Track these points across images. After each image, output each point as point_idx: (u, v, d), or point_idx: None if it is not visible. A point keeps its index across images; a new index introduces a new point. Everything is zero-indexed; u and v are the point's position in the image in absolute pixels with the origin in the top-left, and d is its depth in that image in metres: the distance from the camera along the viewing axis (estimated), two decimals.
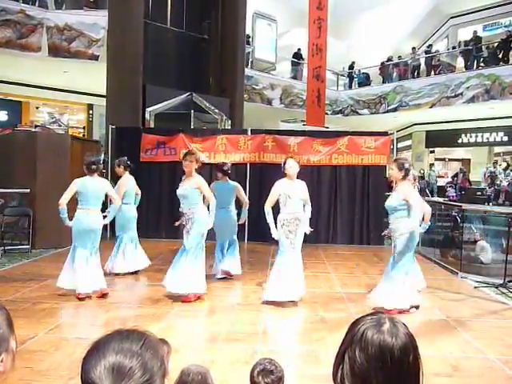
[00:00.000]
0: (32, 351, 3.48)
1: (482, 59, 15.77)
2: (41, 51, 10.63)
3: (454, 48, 17.99)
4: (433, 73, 16.81)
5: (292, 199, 4.91)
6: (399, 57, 18.38)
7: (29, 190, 7.63)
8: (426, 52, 18.05)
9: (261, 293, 5.23)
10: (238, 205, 6.29)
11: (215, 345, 3.79)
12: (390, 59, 18.80)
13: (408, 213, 4.60)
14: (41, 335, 3.85)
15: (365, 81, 19.07)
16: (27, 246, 7.48)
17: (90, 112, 16.09)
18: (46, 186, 5.94)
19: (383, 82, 18.34)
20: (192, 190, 5.02)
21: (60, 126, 11.97)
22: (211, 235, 5.50)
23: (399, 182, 4.75)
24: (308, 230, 5.09)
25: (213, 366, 3.17)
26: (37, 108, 15.44)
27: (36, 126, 9.92)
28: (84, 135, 15.19)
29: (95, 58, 11.07)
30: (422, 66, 17.55)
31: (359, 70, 19.52)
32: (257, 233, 8.13)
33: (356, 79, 19.39)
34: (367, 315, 1.10)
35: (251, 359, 3.45)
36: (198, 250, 4.99)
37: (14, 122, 12.91)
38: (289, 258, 4.92)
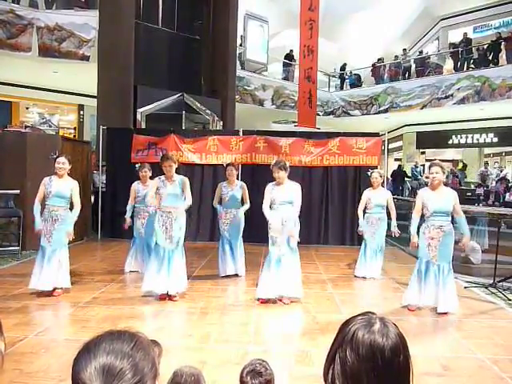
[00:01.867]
0: (21, 353, 3.45)
1: (472, 61, 15.93)
2: (31, 51, 10.55)
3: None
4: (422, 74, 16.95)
5: (275, 203, 5.00)
6: (396, 57, 18.43)
7: (18, 191, 7.56)
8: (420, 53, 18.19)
9: (253, 294, 5.24)
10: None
11: (206, 345, 3.78)
12: (381, 60, 18.89)
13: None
14: (30, 337, 3.82)
15: (356, 82, 19.17)
16: (17, 248, 7.42)
17: (81, 113, 15.99)
18: (36, 187, 5.89)
19: (376, 83, 18.44)
20: (180, 190, 5.12)
21: (50, 126, 11.93)
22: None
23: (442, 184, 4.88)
24: (292, 237, 5.02)
25: (204, 366, 3.16)
26: (27, 108, 15.31)
27: (26, 127, 9.87)
28: (75, 136, 15.10)
29: (86, 58, 11.01)
30: (413, 68, 17.69)
31: (350, 72, 19.62)
32: (249, 234, 8.11)
33: (347, 80, 19.49)
34: (358, 315, 1.10)
35: (242, 360, 3.45)
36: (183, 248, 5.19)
37: (3, 123, 12.82)
38: (274, 259, 5.01)
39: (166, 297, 5.07)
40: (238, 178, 6.64)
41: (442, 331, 4.36)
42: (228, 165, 6.38)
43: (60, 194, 5.08)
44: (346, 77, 19.57)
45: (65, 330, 4.27)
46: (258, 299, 5.05)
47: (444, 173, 4.77)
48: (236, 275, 6.28)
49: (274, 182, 5.09)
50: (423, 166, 17.46)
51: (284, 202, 4.99)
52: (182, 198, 5.14)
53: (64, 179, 5.13)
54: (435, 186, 4.79)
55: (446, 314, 4.76)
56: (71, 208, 5.19)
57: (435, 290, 4.78)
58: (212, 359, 3.45)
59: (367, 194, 6.51)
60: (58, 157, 5.19)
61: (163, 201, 5.07)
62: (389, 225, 6.54)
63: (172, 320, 4.58)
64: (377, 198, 6.41)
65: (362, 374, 1.00)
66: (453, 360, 3.60)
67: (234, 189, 6.20)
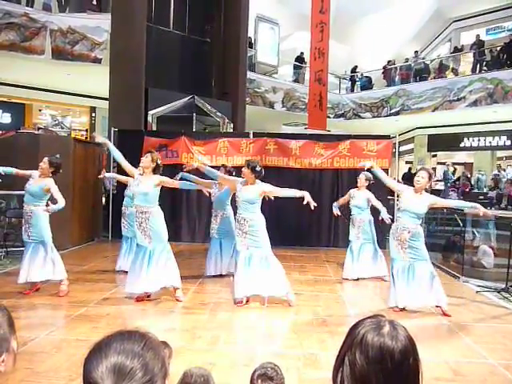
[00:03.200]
0: (33, 352, 3.48)
1: (484, 63, 15.78)
2: (44, 54, 10.67)
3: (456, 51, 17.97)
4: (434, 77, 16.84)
5: (238, 202, 5.16)
6: (406, 59, 18.31)
7: None
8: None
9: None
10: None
11: (215, 347, 3.78)
12: (392, 63, 18.80)
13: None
14: (42, 337, 3.86)
15: (367, 84, 19.09)
16: None
17: (93, 114, 16.16)
18: None
19: (387, 86, 18.34)
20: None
21: (63, 128, 12.05)
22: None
23: (423, 190, 4.90)
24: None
25: (213, 368, 3.16)
26: (40, 110, 15.49)
27: (39, 129, 9.95)
28: (86, 138, 15.23)
29: (98, 60, 11.11)
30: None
31: (361, 74, 19.54)
32: (281, 236, 8.03)
33: (358, 83, 19.42)
34: (367, 318, 1.10)
35: (251, 362, 3.45)
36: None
37: (17, 125, 12.98)
38: (244, 257, 5.08)
39: (144, 298, 5.08)
40: None
41: (453, 335, 4.32)
42: (222, 166, 6.51)
43: (30, 191, 5.23)
44: (357, 79, 19.50)
45: (75, 330, 4.30)
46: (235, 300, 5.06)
47: (430, 179, 4.88)
48: (220, 275, 6.27)
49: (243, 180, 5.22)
50: (455, 169, 17.36)
51: (243, 202, 5.10)
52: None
53: (40, 179, 5.24)
54: (417, 190, 4.88)
55: (439, 307, 4.86)
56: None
57: (419, 290, 4.82)
58: (221, 361, 3.45)
59: (351, 191, 6.72)
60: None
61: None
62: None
63: (181, 321, 4.59)
64: (356, 199, 6.59)
65: (372, 377, 1.00)
66: (464, 365, 3.56)
67: (223, 190, 6.24)
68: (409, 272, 4.85)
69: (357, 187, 6.66)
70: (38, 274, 5.11)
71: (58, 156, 5.46)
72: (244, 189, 5.14)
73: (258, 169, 5.11)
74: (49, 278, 5.19)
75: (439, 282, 4.88)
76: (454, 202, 5.18)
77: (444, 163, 20.80)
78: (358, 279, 6.40)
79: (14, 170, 5.40)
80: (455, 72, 16.74)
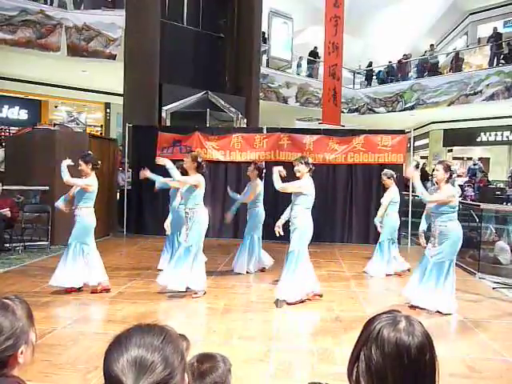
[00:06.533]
0: (50, 345, 3.54)
1: (502, 56, 15.50)
2: (60, 51, 10.79)
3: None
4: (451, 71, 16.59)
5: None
6: (425, 53, 18.06)
7: (48, 188, 7.76)
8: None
9: (275, 291, 5.24)
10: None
11: (230, 342, 3.80)
12: (407, 57, 18.57)
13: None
14: (59, 329, 3.92)
15: (385, 77, 18.82)
16: (46, 242, 7.62)
17: (108, 110, 16.29)
18: (64, 184, 6.10)
19: (402, 80, 18.12)
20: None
21: (78, 124, 12.15)
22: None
23: (443, 183, 4.74)
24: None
25: None
26: (55, 107, 15.69)
27: (55, 125, 10.08)
28: (101, 133, 15.37)
29: (113, 57, 11.19)
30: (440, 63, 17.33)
31: (379, 71, 19.31)
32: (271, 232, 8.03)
33: (377, 75, 19.15)
34: (383, 313, 1.09)
35: (265, 357, 3.47)
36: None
37: (33, 121, 13.17)
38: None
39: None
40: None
41: (469, 332, 4.28)
42: (252, 163, 6.66)
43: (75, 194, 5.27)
44: (375, 72, 19.27)
45: (92, 324, 4.36)
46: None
47: (447, 171, 4.70)
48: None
49: None
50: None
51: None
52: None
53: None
54: (438, 186, 4.82)
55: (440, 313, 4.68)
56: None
57: (425, 289, 4.74)
58: (236, 355, 3.47)
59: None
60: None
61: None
62: None
63: (196, 315, 4.62)
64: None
65: (388, 372, 1.00)
66: (480, 361, 3.53)
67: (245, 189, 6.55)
68: (426, 269, 4.78)
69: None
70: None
71: (88, 153, 5.46)
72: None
73: (199, 160, 5.13)
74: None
75: (448, 289, 4.70)
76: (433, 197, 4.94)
77: (462, 158, 20.56)
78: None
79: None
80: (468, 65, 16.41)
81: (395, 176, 6.63)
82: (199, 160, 5.10)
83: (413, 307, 4.77)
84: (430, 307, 4.69)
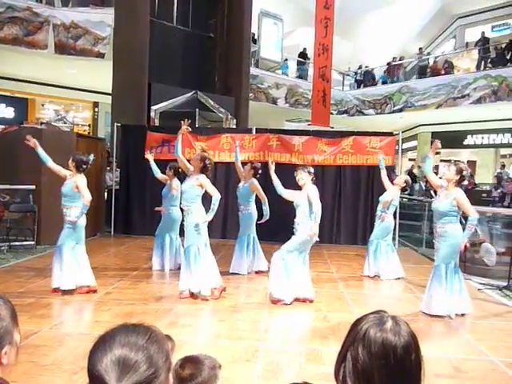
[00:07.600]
0: (36, 346, 3.50)
1: (489, 60, 15.71)
2: (47, 49, 10.68)
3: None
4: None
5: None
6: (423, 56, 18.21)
7: (34, 187, 7.66)
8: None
9: (265, 291, 5.24)
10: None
11: (217, 342, 3.79)
12: (399, 59, 18.71)
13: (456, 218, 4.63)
14: (45, 330, 3.87)
15: (371, 80, 18.94)
16: (32, 242, 7.53)
17: (96, 110, 16.17)
18: (51, 183, 6.02)
19: (391, 82, 18.26)
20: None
21: (65, 123, 12.06)
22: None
23: (451, 185, 4.68)
24: None
25: None
26: (42, 105, 15.52)
27: (42, 124, 9.96)
28: (89, 133, 15.25)
29: (101, 55, 11.11)
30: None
31: (365, 71, 19.41)
32: (267, 231, 7.99)
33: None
34: (369, 314, 1.10)
35: (253, 357, 3.47)
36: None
37: (20, 119, 13.01)
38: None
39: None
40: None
41: (454, 333, 4.32)
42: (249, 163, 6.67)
43: (63, 192, 5.17)
44: (361, 77, 19.36)
45: (78, 324, 4.32)
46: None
47: (457, 174, 4.62)
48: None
49: None
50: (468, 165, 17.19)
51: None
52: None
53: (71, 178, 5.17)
54: (446, 186, 4.75)
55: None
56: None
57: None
58: (223, 356, 3.46)
59: None
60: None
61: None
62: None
63: (184, 316, 4.60)
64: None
65: (374, 372, 1.00)
66: (465, 362, 3.56)
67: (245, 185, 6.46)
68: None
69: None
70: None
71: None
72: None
73: (206, 162, 5.14)
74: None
75: (433, 293, 4.68)
76: (472, 210, 4.61)
77: (449, 161, 20.72)
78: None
79: (49, 162, 5.33)
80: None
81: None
82: (206, 162, 5.08)
83: (425, 314, 4.72)
84: (426, 311, 4.73)
